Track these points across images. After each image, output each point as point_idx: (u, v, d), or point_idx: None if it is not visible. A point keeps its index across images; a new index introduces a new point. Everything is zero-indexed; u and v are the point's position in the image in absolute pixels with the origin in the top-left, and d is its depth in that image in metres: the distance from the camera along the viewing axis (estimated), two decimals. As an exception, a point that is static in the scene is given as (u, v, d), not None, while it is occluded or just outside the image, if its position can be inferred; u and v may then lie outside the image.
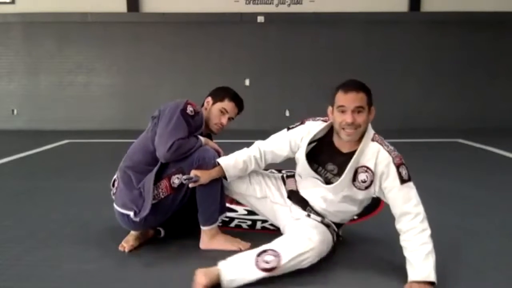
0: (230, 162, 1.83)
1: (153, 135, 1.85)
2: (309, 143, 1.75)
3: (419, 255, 1.51)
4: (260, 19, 7.35)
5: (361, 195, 1.69)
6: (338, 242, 1.84)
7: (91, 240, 2.05)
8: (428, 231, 1.54)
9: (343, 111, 1.60)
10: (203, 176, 1.78)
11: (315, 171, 1.74)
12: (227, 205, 2.00)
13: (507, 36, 7.36)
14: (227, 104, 2.01)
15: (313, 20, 7.32)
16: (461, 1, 7.29)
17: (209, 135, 2.10)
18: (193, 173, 1.76)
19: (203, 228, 1.90)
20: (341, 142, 1.70)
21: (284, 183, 1.96)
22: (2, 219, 2.41)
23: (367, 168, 1.63)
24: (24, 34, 7.44)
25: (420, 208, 1.57)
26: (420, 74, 7.47)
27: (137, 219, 1.77)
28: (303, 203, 1.83)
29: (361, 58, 7.37)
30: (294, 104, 7.45)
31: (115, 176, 1.95)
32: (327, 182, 1.72)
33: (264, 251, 1.57)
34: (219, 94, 2.04)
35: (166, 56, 7.47)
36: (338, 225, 1.86)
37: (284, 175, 2.01)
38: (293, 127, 1.83)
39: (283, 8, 7.41)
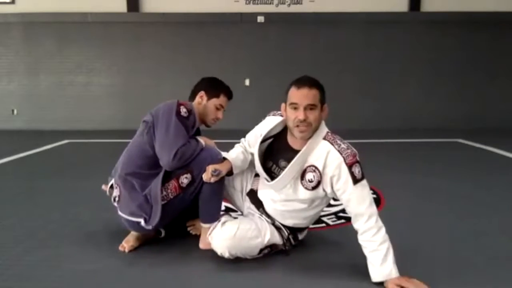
0: (232, 155, 1.87)
1: (149, 139, 1.81)
2: (267, 139, 1.76)
3: (379, 255, 1.53)
4: (260, 19, 7.35)
5: (308, 194, 1.66)
6: (290, 247, 1.84)
7: (91, 240, 2.04)
8: (383, 229, 1.56)
9: (295, 108, 1.59)
10: (222, 168, 1.78)
11: (270, 168, 1.75)
12: (227, 205, 2.00)
13: (507, 36, 7.35)
14: (222, 100, 2.02)
15: (313, 20, 7.32)
16: (461, 1, 7.28)
17: (198, 128, 2.07)
18: (213, 167, 1.75)
19: (204, 225, 1.90)
20: (294, 139, 1.68)
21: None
22: (2, 219, 2.41)
23: (315, 168, 1.62)
24: (24, 34, 7.44)
25: (373, 209, 1.58)
26: (420, 74, 7.46)
27: (150, 227, 1.76)
28: (257, 204, 1.88)
29: (361, 58, 7.37)
30: (294, 104, 7.42)
31: (111, 182, 1.91)
32: None
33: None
34: (213, 90, 2.01)
35: (166, 56, 7.47)
36: (294, 229, 1.84)
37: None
38: (262, 121, 1.86)
39: (283, 8, 7.41)
